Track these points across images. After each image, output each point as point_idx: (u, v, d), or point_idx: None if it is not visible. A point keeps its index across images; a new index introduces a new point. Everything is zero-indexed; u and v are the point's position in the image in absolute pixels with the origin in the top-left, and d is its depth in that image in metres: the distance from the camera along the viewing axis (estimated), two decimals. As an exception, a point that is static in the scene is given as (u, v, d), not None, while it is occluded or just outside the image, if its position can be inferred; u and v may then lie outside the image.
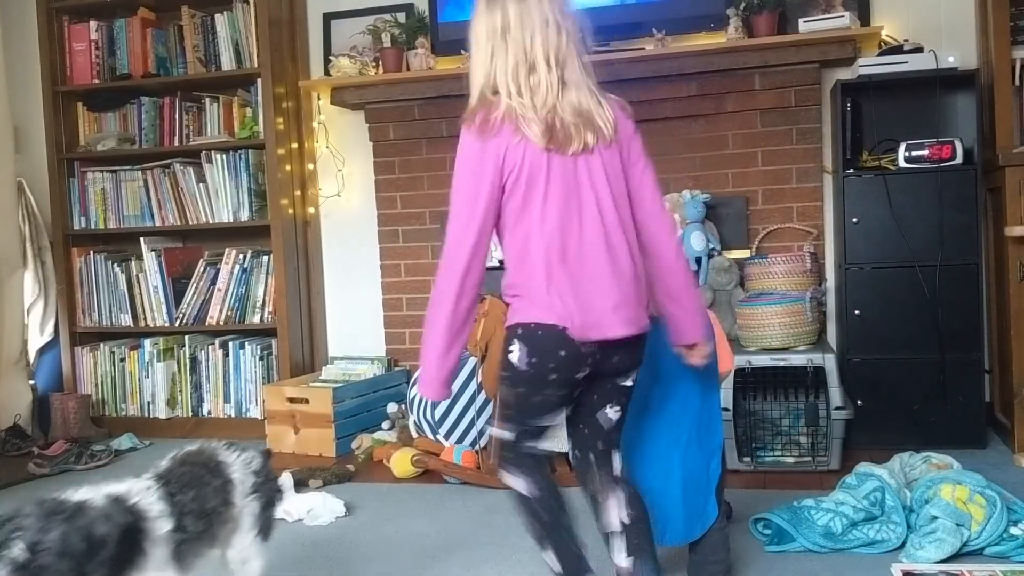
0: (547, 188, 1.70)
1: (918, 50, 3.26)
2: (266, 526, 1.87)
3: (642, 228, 1.80)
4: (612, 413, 1.84)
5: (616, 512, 1.82)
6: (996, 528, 2.17)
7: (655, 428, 1.98)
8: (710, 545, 2.00)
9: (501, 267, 3.70)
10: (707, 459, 2.02)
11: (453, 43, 3.73)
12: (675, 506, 1.96)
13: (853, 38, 3.38)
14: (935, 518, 2.20)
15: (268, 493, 1.89)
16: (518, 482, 1.85)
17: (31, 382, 4.17)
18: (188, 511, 1.65)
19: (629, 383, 1.83)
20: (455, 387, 3.29)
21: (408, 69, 3.81)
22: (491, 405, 3.14)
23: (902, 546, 2.23)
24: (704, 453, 2.02)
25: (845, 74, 3.43)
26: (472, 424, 3.28)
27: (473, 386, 3.29)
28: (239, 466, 1.83)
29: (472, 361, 3.27)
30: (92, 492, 1.56)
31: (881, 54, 3.34)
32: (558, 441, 2.97)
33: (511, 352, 1.76)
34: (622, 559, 1.81)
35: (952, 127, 3.31)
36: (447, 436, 3.27)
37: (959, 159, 3.14)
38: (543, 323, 1.71)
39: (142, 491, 1.61)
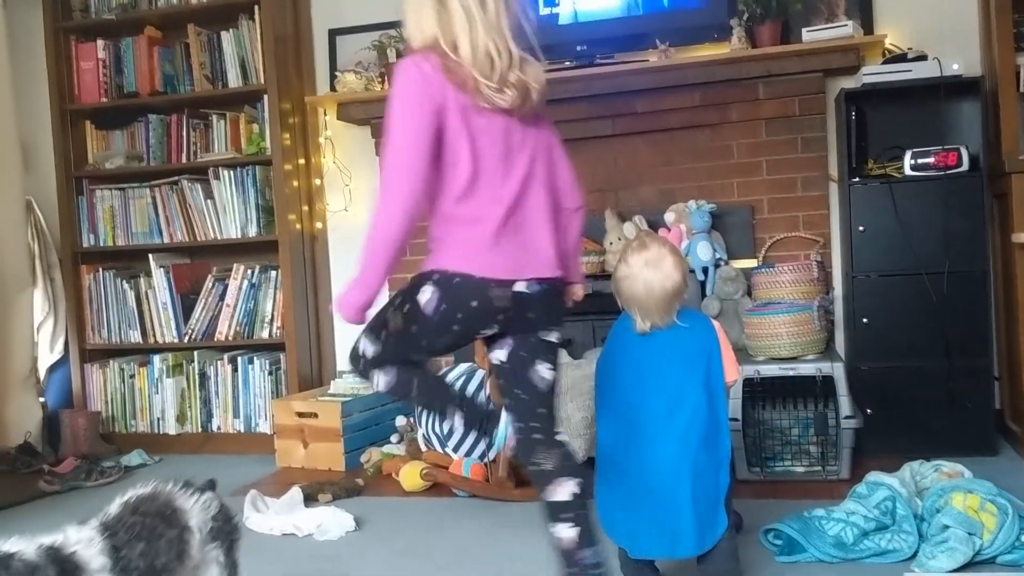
0: (492, 150, 1.76)
1: (922, 58, 3.26)
2: (232, 571, 1.77)
3: (557, 188, 1.91)
4: (545, 371, 1.86)
5: (567, 485, 1.83)
6: (1008, 536, 2.16)
7: (664, 440, 1.98)
8: (720, 556, 2.00)
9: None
10: (715, 469, 2.02)
11: (458, 57, 3.74)
12: (687, 518, 1.95)
13: (856, 47, 3.38)
14: (947, 527, 2.19)
15: (229, 536, 1.78)
16: (386, 379, 1.89)
17: (41, 399, 4.18)
18: (134, 568, 1.51)
19: (554, 339, 1.87)
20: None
21: (413, 83, 3.82)
22: (499, 417, 3.14)
23: (914, 556, 2.22)
24: (713, 464, 2.01)
25: (849, 83, 3.43)
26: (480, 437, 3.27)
27: (482, 398, 3.28)
28: (197, 512, 1.69)
29: (480, 373, 3.27)
30: (25, 543, 1.43)
31: (885, 62, 3.33)
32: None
33: (421, 293, 1.79)
34: (566, 529, 1.81)
35: (957, 134, 3.31)
36: (456, 449, 3.27)
37: (965, 166, 3.13)
38: (463, 272, 1.76)
39: (83, 541, 1.48)
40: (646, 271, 1.98)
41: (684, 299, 2.05)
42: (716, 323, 2.11)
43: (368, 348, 1.89)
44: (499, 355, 1.90)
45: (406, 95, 1.75)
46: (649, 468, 1.98)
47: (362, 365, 1.91)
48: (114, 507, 1.60)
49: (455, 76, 1.74)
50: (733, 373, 2.08)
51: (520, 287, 1.78)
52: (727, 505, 2.02)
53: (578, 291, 2.04)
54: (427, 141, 1.73)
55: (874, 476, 2.45)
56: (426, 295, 1.79)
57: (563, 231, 1.92)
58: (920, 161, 3.17)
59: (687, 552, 1.97)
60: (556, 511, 1.83)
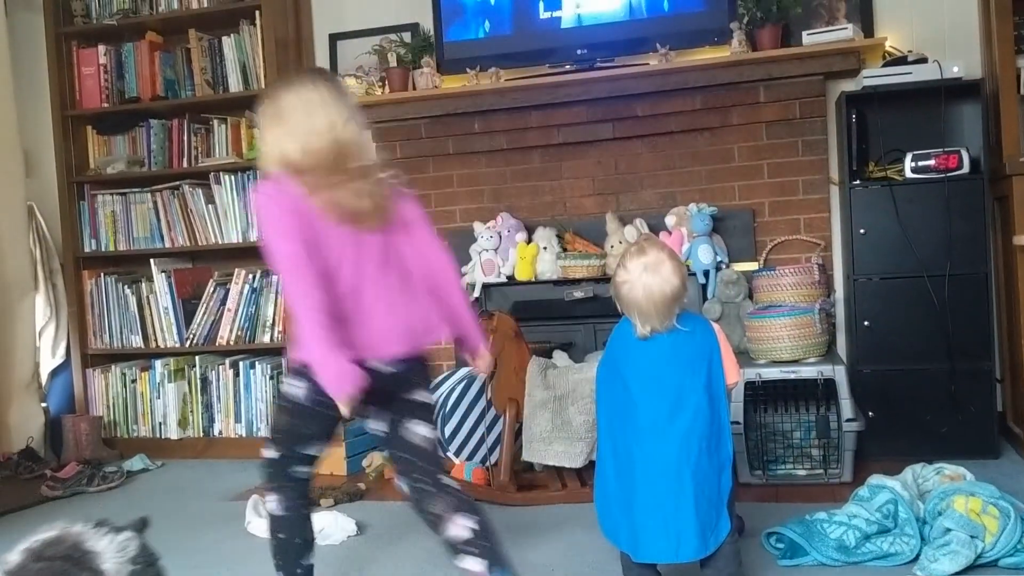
0: (337, 249, 1.88)
1: (922, 60, 3.27)
2: None
3: (432, 276, 2.00)
4: (421, 429, 1.98)
5: (462, 523, 1.91)
6: (1010, 539, 2.15)
7: (666, 444, 1.98)
8: (723, 559, 1.99)
9: (509, 283, 3.70)
10: (718, 473, 2.02)
11: (459, 62, 3.76)
12: (689, 521, 1.95)
13: (857, 50, 3.39)
14: (949, 530, 2.19)
15: None
16: (276, 507, 2.03)
17: (43, 404, 4.18)
18: None
19: (421, 399, 1.99)
20: (466, 402, 3.30)
21: (414, 88, 3.83)
22: (501, 421, 3.15)
23: (916, 559, 2.22)
24: (715, 467, 2.01)
25: (850, 85, 3.43)
26: (482, 441, 3.28)
27: (483, 403, 3.29)
28: (112, 554, 1.55)
29: (481, 377, 3.27)
30: None
31: (885, 65, 3.34)
32: (566, 455, 2.98)
33: (293, 386, 1.96)
34: (475, 564, 1.89)
35: (958, 137, 3.31)
36: (457, 453, 3.27)
37: (966, 168, 3.14)
38: None
39: None
40: (645, 276, 1.98)
41: (683, 303, 2.04)
42: (716, 326, 2.11)
43: (268, 451, 2.03)
44: (379, 426, 2.02)
45: (272, 223, 1.87)
46: (651, 471, 1.98)
47: (264, 471, 2.05)
48: (15, 555, 1.48)
49: (299, 195, 1.86)
50: (734, 375, 2.07)
51: (373, 364, 1.89)
52: (730, 508, 2.02)
53: (480, 362, 2.12)
54: (306, 257, 1.84)
55: (876, 479, 2.44)
56: (295, 386, 1.96)
57: (446, 305, 2.02)
58: (921, 163, 3.17)
59: (690, 556, 1.97)
60: (457, 545, 1.91)
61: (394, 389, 1.96)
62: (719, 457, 2.02)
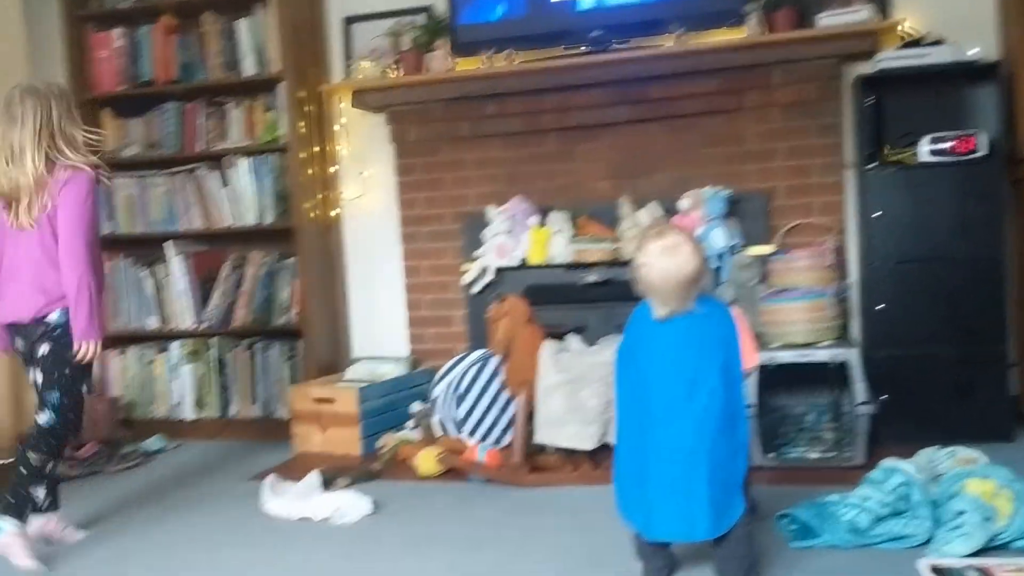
0: (8, 237, 2.61)
1: (938, 42, 3.24)
2: None
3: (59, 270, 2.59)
4: (34, 373, 2.64)
5: (30, 454, 2.57)
6: (1024, 522, 2.16)
7: (681, 424, 1.99)
8: (736, 540, 2.01)
9: (522, 266, 3.70)
10: (733, 455, 2.03)
11: (473, 44, 3.75)
12: (702, 501, 1.97)
13: (872, 32, 3.36)
14: (962, 512, 2.19)
15: None
16: None
17: (61, 385, 4.22)
18: None
19: (38, 354, 2.62)
20: (480, 384, 3.32)
21: (428, 71, 3.83)
22: (514, 403, 3.16)
23: (928, 541, 2.22)
24: (730, 449, 2.03)
25: (865, 68, 3.41)
26: (496, 422, 3.30)
27: (496, 384, 3.31)
28: None
29: (494, 360, 3.29)
30: None
31: (901, 47, 3.32)
32: (579, 437, 2.99)
33: None
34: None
35: (974, 120, 3.29)
36: (471, 434, 3.29)
37: (982, 152, 3.12)
38: None
39: None
40: (663, 259, 1.99)
41: (702, 286, 2.05)
42: (736, 310, 2.12)
43: None
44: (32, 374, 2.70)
45: None
46: (666, 452, 2.00)
47: None
48: None
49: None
50: (752, 360, 2.09)
51: (11, 319, 2.64)
52: (744, 490, 2.03)
53: (78, 348, 2.62)
54: None
55: (889, 462, 2.44)
56: None
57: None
58: (937, 147, 3.14)
59: (702, 535, 1.99)
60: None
61: (24, 339, 2.64)
62: (734, 440, 2.04)
